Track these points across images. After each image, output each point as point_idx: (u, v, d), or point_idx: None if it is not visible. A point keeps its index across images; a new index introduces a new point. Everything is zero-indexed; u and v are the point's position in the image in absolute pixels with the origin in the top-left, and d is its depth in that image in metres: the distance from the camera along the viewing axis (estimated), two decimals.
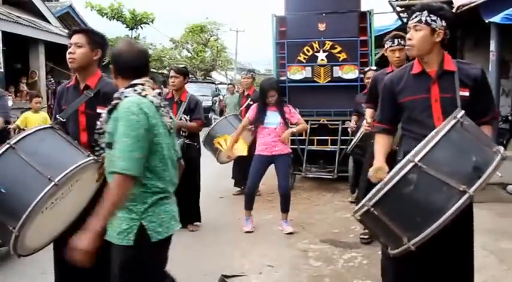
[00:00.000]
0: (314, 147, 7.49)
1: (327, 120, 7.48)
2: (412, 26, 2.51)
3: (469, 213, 2.59)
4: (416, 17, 2.49)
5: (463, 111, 2.18)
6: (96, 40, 3.08)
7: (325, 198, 6.85)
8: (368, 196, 2.17)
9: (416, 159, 2.06)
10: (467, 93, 2.49)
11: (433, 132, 2.18)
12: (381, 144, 2.74)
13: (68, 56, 3.01)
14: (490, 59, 7.25)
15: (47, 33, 12.83)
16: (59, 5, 17.47)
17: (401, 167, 2.11)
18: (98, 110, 3.06)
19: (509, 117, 8.64)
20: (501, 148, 2.15)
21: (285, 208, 5.29)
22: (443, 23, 2.49)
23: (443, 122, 2.27)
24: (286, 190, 5.28)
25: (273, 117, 5.14)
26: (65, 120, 3.07)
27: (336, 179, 7.29)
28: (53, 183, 2.37)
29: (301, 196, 7.05)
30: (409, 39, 2.52)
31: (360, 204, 2.19)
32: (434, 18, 2.47)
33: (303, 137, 7.45)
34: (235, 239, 5.03)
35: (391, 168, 2.39)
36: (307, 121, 7.43)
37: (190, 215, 5.35)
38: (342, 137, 7.23)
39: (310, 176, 7.53)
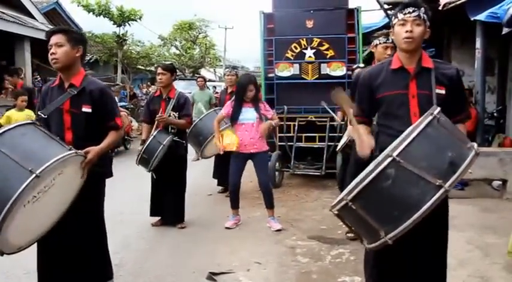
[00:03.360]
0: (302, 144, 7.51)
1: (315, 117, 7.50)
2: (412, 19, 2.52)
3: (444, 207, 2.64)
4: (414, 11, 2.53)
5: (439, 108, 2.22)
6: (76, 37, 3.09)
7: (313, 195, 6.87)
8: (346, 191, 2.19)
9: (395, 154, 2.08)
10: (443, 91, 2.55)
11: (410, 128, 2.22)
12: (362, 129, 2.76)
13: (50, 57, 3.02)
14: (475, 56, 7.32)
15: (32, 30, 12.64)
16: (45, 1, 17.27)
17: (379, 162, 2.13)
18: (83, 109, 3.06)
19: (495, 114, 8.75)
20: (475, 144, 2.20)
21: (269, 204, 5.29)
22: (428, 23, 2.57)
23: (419, 118, 2.32)
24: (267, 186, 5.28)
25: (248, 113, 5.12)
26: (46, 116, 3.06)
27: (324, 176, 7.32)
28: (34, 175, 2.34)
29: (289, 193, 7.06)
30: (410, 31, 2.52)
31: (338, 199, 2.20)
32: (427, 17, 2.55)
33: (291, 134, 7.48)
34: (223, 236, 5.03)
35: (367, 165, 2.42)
36: (294, 118, 7.51)
37: (175, 214, 5.35)
38: (330, 134, 7.26)
39: (298, 172, 7.57)
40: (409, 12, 2.53)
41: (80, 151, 2.78)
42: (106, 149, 3.10)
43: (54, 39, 3.01)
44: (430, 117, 2.16)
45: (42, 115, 3.05)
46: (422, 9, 2.53)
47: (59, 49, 2.99)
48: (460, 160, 2.11)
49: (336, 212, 2.23)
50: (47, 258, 3.10)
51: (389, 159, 2.09)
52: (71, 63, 3.06)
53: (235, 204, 5.39)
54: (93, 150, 2.91)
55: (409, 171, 2.07)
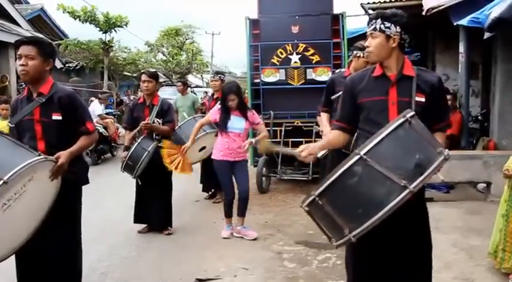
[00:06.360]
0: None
1: (301, 123, 7.53)
2: (369, 33, 2.61)
3: (422, 209, 2.68)
4: (372, 25, 2.59)
5: (413, 112, 2.25)
6: (47, 50, 3.03)
7: (300, 200, 6.70)
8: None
9: (362, 152, 2.12)
10: (423, 99, 2.57)
11: (381, 129, 2.23)
12: (331, 135, 2.83)
13: (19, 68, 2.95)
14: (459, 60, 7.41)
15: (17, 37, 12.52)
16: (29, 8, 17.18)
17: (347, 159, 2.17)
18: (54, 117, 3.01)
19: (479, 117, 8.85)
20: (446, 150, 2.23)
21: (242, 212, 5.19)
22: (398, 29, 2.56)
23: None
24: (247, 193, 5.18)
25: (237, 122, 5.04)
26: (13, 125, 3.02)
27: (311, 181, 7.32)
28: (1, 181, 2.31)
29: (276, 198, 7.06)
30: (367, 46, 2.62)
31: (307, 195, 2.24)
32: (388, 25, 2.55)
33: (278, 139, 7.49)
34: (210, 243, 5.01)
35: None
36: (281, 123, 7.52)
37: (162, 220, 5.32)
38: (316, 139, 7.27)
39: (285, 178, 7.57)
40: (368, 27, 2.62)
41: (50, 156, 2.75)
42: (77, 152, 3.05)
43: (25, 50, 2.93)
44: (402, 120, 2.20)
45: (10, 124, 3.00)
46: (379, 20, 2.56)
47: (29, 61, 2.93)
48: (428, 163, 2.15)
49: (306, 209, 2.26)
50: (23, 267, 3.06)
51: (356, 157, 2.13)
52: (40, 76, 3.01)
53: (230, 214, 5.24)
54: (63, 155, 2.87)
55: (375, 170, 2.11)
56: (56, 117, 3.01)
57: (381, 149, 2.15)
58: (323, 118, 4.63)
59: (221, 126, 5.09)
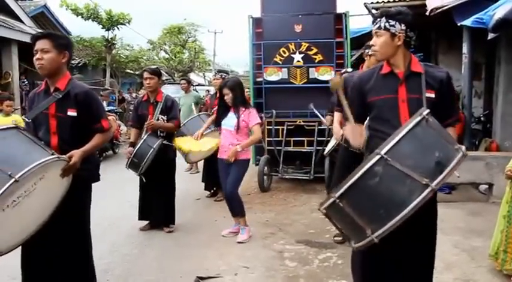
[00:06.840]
0: (291, 148, 7.53)
1: (304, 122, 7.52)
2: (374, 32, 2.61)
3: (433, 209, 2.67)
4: (376, 23, 2.59)
5: (428, 110, 2.24)
6: (62, 43, 3.05)
7: (301, 199, 6.87)
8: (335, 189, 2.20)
9: (383, 152, 2.11)
10: (433, 95, 2.56)
11: (399, 129, 2.22)
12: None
13: (36, 62, 2.98)
14: (462, 61, 7.39)
15: (20, 33, 12.52)
16: (32, 5, 17.15)
17: (367, 160, 2.16)
18: (69, 113, 3.03)
19: (482, 119, 8.83)
20: (463, 147, 2.23)
21: (232, 212, 5.09)
22: (403, 27, 2.56)
23: None
24: (231, 194, 4.95)
25: (230, 119, 4.94)
26: (30, 120, 3.04)
27: (313, 180, 7.34)
28: (13, 179, 2.30)
29: (277, 197, 7.06)
30: (373, 45, 2.62)
31: (326, 197, 2.22)
32: (393, 23, 2.55)
33: (280, 138, 7.50)
34: (211, 241, 5.01)
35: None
36: (283, 122, 7.51)
37: (165, 216, 5.32)
38: (318, 138, 7.29)
39: (286, 177, 7.57)
40: (373, 26, 2.62)
41: (62, 156, 2.75)
42: (90, 151, 3.06)
43: (40, 44, 2.97)
44: (419, 118, 2.19)
45: (26, 119, 3.02)
46: (384, 18, 2.56)
47: (44, 55, 2.95)
48: (447, 160, 2.14)
49: (324, 211, 2.23)
50: (30, 264, 3.06)
51: (377, 157, 2.11)
52: (57, 69, 3.03)
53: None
54: (76, 154, 2.87)
55: (396, 169, 2.09)
56: (71, 113, 3.03)
57: (400, 148, 2.14)
58: (336, 117, 4.71)
59: (216, 122, 5.12)
